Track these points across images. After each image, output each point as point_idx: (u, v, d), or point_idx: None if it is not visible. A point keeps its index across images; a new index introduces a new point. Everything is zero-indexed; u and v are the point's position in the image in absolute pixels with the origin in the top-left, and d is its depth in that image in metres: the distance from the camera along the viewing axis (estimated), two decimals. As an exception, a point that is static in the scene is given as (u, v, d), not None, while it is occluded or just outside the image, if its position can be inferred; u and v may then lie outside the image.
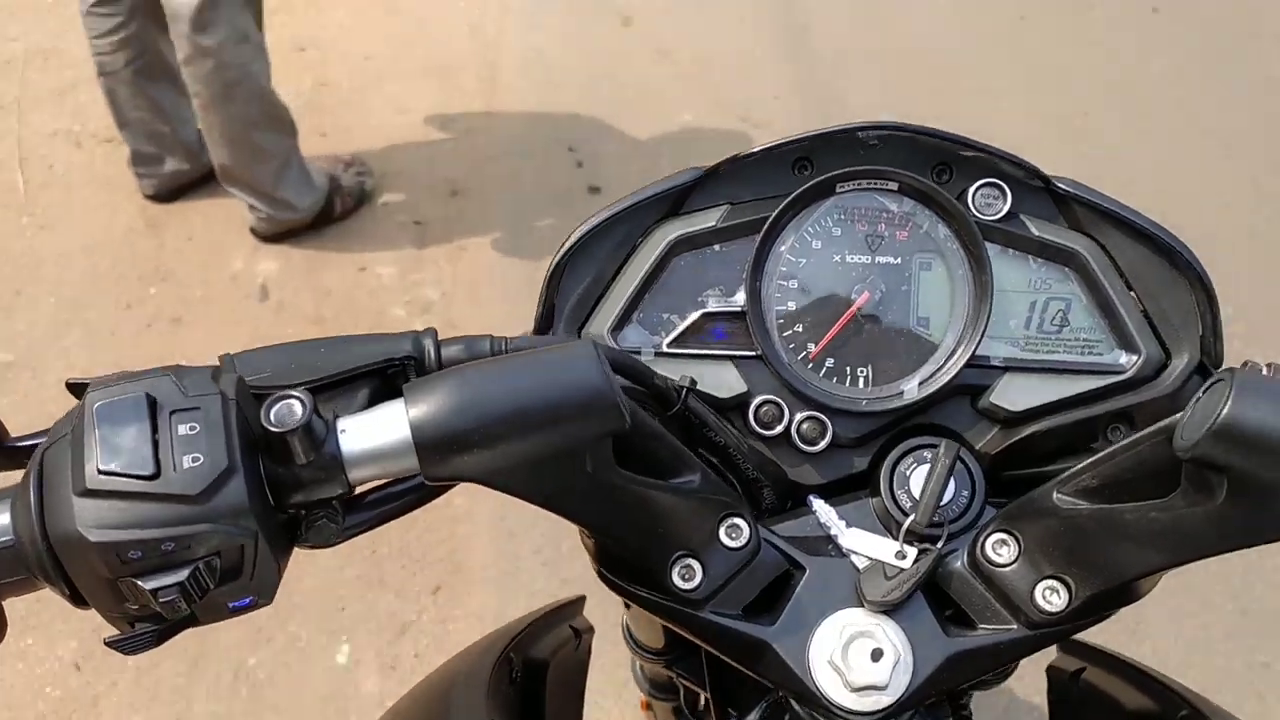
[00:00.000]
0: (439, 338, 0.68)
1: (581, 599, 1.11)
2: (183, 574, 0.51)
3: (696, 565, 0.69)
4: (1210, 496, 0.57)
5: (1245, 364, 0.70)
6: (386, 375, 0.65)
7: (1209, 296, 0.76)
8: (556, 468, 0.59)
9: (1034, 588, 0.68)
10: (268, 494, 0.56)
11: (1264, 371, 0.67)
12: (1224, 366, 0.72)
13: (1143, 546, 0.62)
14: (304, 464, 0.56)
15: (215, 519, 0.52)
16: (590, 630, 1.09)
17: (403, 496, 0.64)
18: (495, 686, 0.80)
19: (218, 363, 0.62)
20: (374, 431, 0.57)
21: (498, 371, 0.58)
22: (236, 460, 0.53)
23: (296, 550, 0.60)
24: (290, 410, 0.55)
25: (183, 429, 0.52)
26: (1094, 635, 0.75)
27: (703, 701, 1.13)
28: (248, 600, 0.56)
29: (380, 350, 0.65)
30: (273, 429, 0.54)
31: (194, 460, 0.52)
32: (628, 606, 0.91)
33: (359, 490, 0.61)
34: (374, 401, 0.60)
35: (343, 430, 0.57)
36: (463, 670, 0.83)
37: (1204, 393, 0.58)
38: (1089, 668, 0.95)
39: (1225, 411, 0.54)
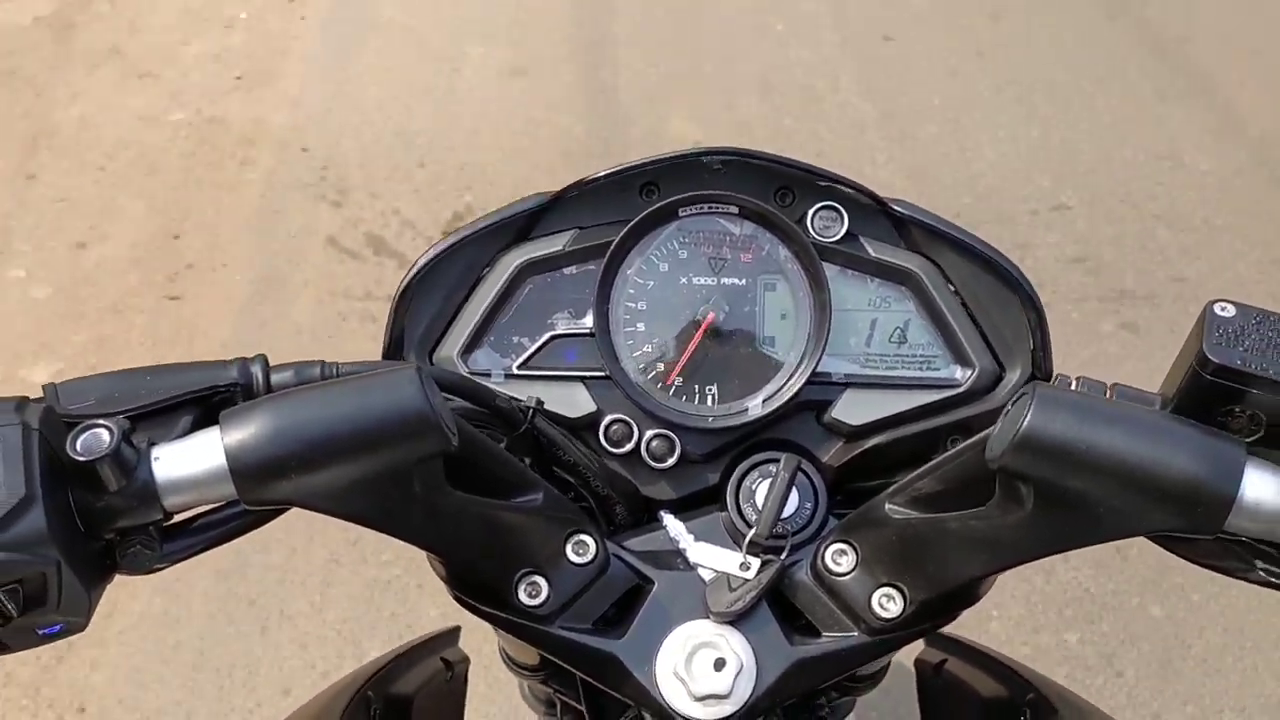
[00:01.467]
0: (269, 364, 0.68)
1: (456, 630, 1.10)
2: None
3: (543, 581, 0.70)
4: (1020, 505, 0.59)
5: (1057, 378, 0.74)
6: (213, 403, 0.65)
7: (1038, 314, 0.79)
8: (382, 491, 0.60)
9: (871, 595, 0.70)
10: (76, 522, 0.55)
11: (1072, 385, 0.71)
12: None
13: (965, 553, 0.64)
14: (115, 491, 0.55)
15: (14, 548, 0.51)
16: (465, 661, 1.08)
17: (228, 522, 0.64)
18: None
19: (39, 391, 0.62)
20: (188, 458, 0.57)
21: (316, 396, 0.59)
22: (35, 490, 0.52)
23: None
24: (97, 439, 0.55)
25: None
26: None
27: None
28: (57, 627, 0.56)
29: (206, 377, 0.65)
30: (79, 458, 0.54)
31: None
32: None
33: (182, 517, 0.60)
34: (197, 429, 0.60)
35: (156, 458, 0.57)
36: (314, 712, 0.82)
37: (1011, 406, 0.60)
38: (950, 659, 0.98)
39: (1025, 424, 0.57)
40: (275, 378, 0.68)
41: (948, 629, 1.00)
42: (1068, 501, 0.57)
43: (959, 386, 0.80)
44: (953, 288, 0.80)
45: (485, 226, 0.79)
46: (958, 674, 0.97)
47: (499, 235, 0.80)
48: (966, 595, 0.70)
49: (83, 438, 0.55)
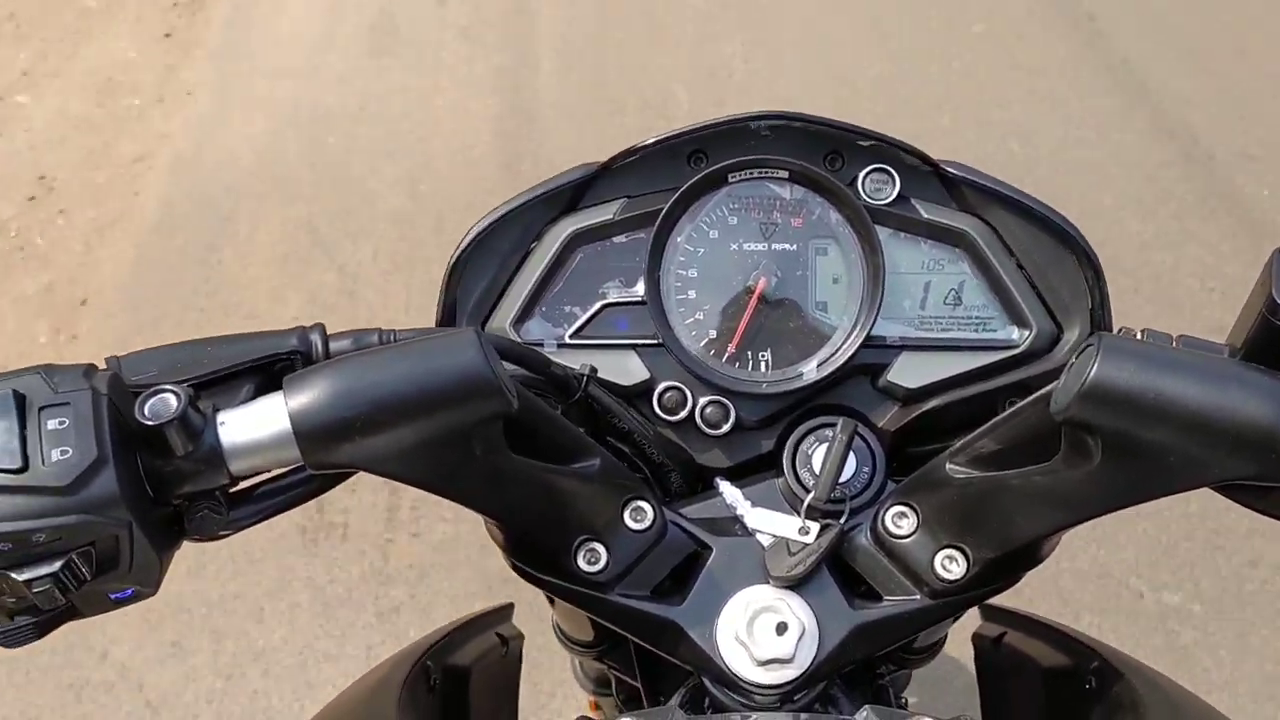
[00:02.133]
0: (327, 331, 0.68)
1: (509, 606, 1.11)
2: (55, 565, 0.51)
3: (601, 548, 0.70)
4: (1088, 458, 0.58)
5: (1120, 330, 0.73)
6: (274, 371, 0.65)
7: (1096, 271, 0.78)
8: (444, 453, 0.60)
9: (933, 557, 0.69)
10: (146, 486, 0.56)
11: (1136, 336, 0.70)
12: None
13: (1030, 511, 0.64)
14: (182, 456, 0.56)
15: (86, 510, 0.52)
16: (519, 637, 1.09)
17: (294, 489, 0.64)
18: (410, 696, 0.79)
19: (104, 365, 0.63)
20: (254, 423, 0.58)
21: (377, 360, 0.59)
22: (107, 452, 0.53)
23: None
24: (165, 403, 0.55)
25: (51, 423, 0.53)
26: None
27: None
28: (129, 591, 0.56)
29: (266, 346, 0.66)
30: (147, 422, 0.55)
31: (63, 453, 0.52)
32: (552, 602, 0.91)
33: (249, 483, 0.61)
34: (259, 396, 0.60)
35: (222, 423, 0.58)
36: (375, 682, 0.82)
37: (1076, 358, 0.59)
38: (1009, 631, 0.97)
39: (1092, 374, 0.56)
40: (334, 345, 0.68)
41: (1006, 602, 0.99)
42: (1137, 452, 0.56)
43: (1016, 347, 0.79)
44: (1007, 248, 0.79)
45: (534, 197, 0.79)
46: (1017, 646, 0.96)
47: (548, 206, 0.80)
48: (1031, 555, 0.69)
49: (150, 402, 0.55)
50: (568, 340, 0.80)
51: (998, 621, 1.00)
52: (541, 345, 0.80)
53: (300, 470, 0.62)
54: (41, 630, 0.55)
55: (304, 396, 0.57)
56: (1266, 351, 0.61)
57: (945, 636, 1.01)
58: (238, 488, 0.61)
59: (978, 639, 1.02)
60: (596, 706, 1.43)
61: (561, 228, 0.80)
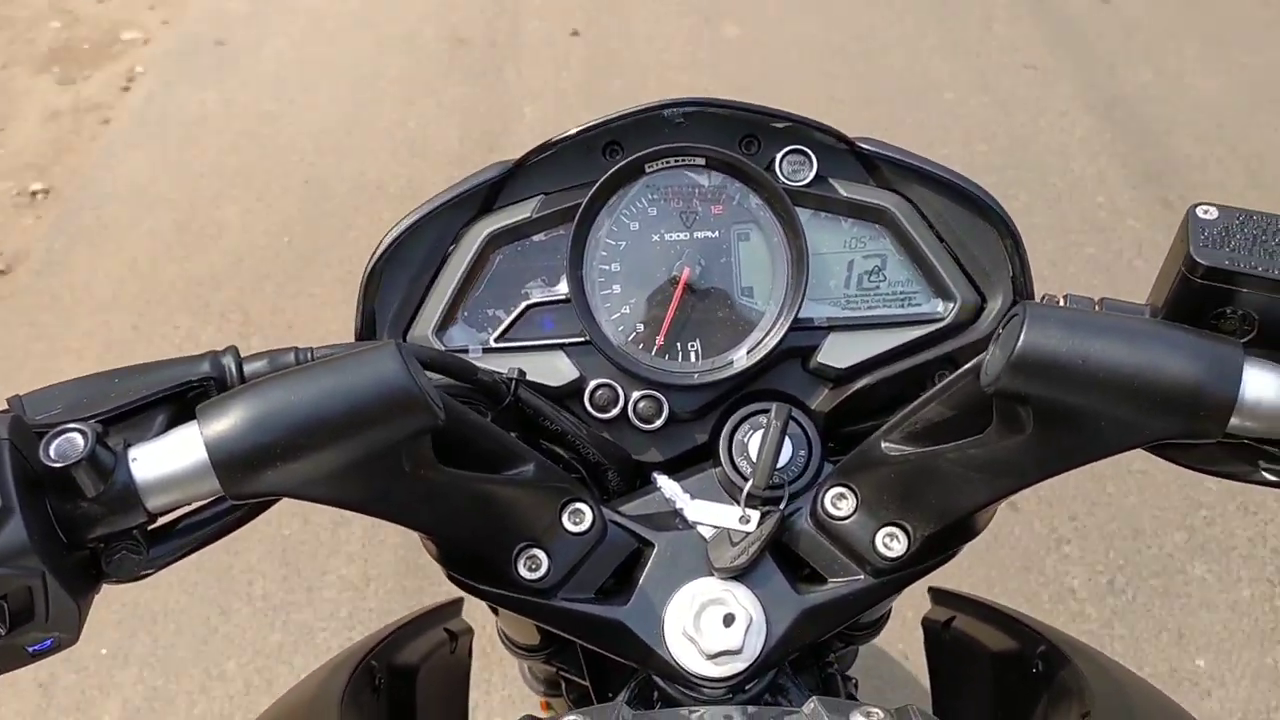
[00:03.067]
0: (241, 355, 0.66)
1: (459, 601, 1.09)
2: None
3: (541, 555, 0.69)
4: (1020, 428, 0.59)
5: (1043, 297, 0.73)
6: (187, 399, 0.63)
7: (1015, 239, 0.79)
8: (371, 472, 0.58)
9: (874, 536, 0.69)
10: (58, 531, 0.53)
11: (1059, 302, 0.70)
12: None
13: (966, 483, 0.64)
14: (94, 497, 0.53)
15: None
16: (469, 632, 1.07)
17: (216, 519, 0.62)
18: (354, 698, 0.77)
19: (4, 405, 0.60)
20: (168, 456, 0.55)
21: (294, 382, 0.57)
22: (12, 500, 0.51)
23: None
24: (71, 443, 0.53)
25: None
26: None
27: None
28: (48, 642, 0.54)
29: (176, 374, 0.63)
30: (54, 464, 0.52)
31: None
32: (496, 611, 0.89)
33: (168, 519, 0.58)
34: (173, 427, 0.58)
35: (134, 459, 0.55)
36: (316, 685, 0.80)
37: (1003, 328, 0.59)
38: (958, 616, 0.98)
39: (1019, 344, 0.56)
40: (249, 368, 0.66)
41: (955, 587, 1.00)
42: (1068, 418, 0.57)
43: (942, 320, 0.79)
44: (927, 222, 0.79)
45: (447, 200, 0.77)
46: (966, 630, 0.97)
47: (462, 208, 0.78)
48: (969, 528, 0.69)
49: (55, 444, 0.53)
50: (493, 344, 0.78)
51: (947, 606, 1.01)
52: (466, 352, 0.78)
53: (220, 500, 0.60)
54: None
55: (219, 425, 0.55)
56: (1187, 310, 0.62)
57: (890, 611, 1.01)
58: (156, 524, 0.58)
59: (927, 623, 1.03)
60: (548, 707, 1.42)
61: (479, 229, 0.78)
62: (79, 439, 0.53)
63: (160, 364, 0.64)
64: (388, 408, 0.56)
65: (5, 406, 0.59)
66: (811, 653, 0.89)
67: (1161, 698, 0.78)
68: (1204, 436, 0.55)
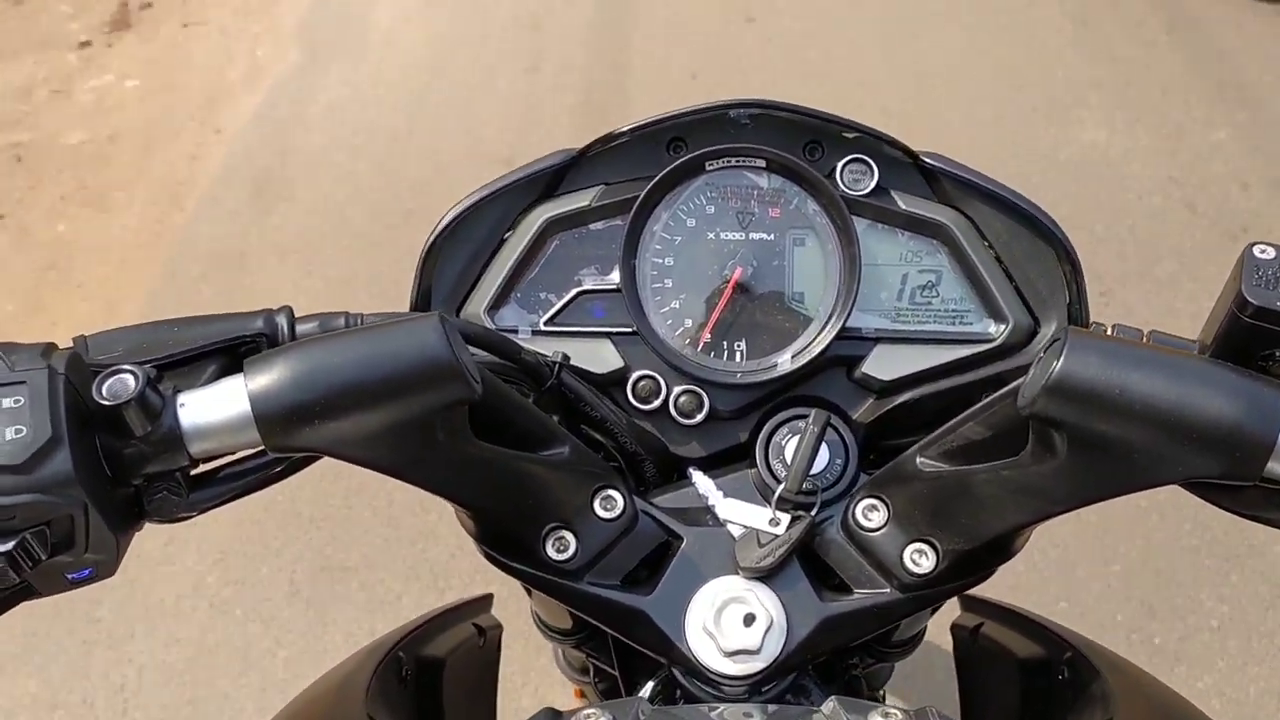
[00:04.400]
0: (295, 315, 0.68)
1: (488, 597, 1.10)
2: (9, 544, 0.51)
3: (570, 536, 0.70)
4: (1054, 454, 0.58)
5: (1092, 325, 0.72)
6: (238, 353, 0.65)
7: (1073, 265, 0.78)
8: (406, 438, 0.59)
9: (903, 551, 0.69)
10: (104, 466, 0.56)
11: (1107, 331, 0.69)
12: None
13: (998, 506, 0.63)
14: (141, 437, 0.56)
15: (40, 489, 0.52)
16: (498, 627, 1.08)
17: (257, 471, 0.64)
18: (380, 688, 0.79)
19: (70, 342, 0.62)
20: (213, 405, 0.58)
21: (338, 344, 0.58)
22: (62, 431, 0.53)
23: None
24: (123, 384, 0.55)
25: (6, 402, 0.52)
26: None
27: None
28: (87, 571, 0.56)
29: (232, 328, 0.65)
30: (105, 402, 0.54)
31: (16, 432, 0.52)
32: (530, 593, 0.91)
33: (210, 466, 0.61)
34: (222, 378, 0.60)
35: (182, 404, 0.57)
36: (344, 675, 0.82)
37: (1044, 353, 0.59)
38: (987, 622, 0.97)
39: (1057, 369, 0.55)
40: (300, 328, 0.68)
41: (983, 592, 0.99)
42: (1102, 448, 0.56)
43: (992, 341, 0.79)
44: (986, 241, 0.79)
45: (511, 183, 0.78)
46: (994, 637, 0.96)
47: (525, 191, 0.79)
48: (1000, 549, 0.69)
49: (109, 383, 0.55)
50: (542, 327, 0.80)
51: (976, 612, 1.01)
52: (515, 332, 0.79)
53: (263, 453, 0.62)
54: None
55: (264, 379, 0.57)
56: (1236, 348, 0.60)
57: (924, 630, 1.00)
58: (199, 470, 0.61)
59: (956, 629, 1.03)
60: (581, 695, 1.44)
61: (538, 214, 0.79)
62: (131, 380, 0.55)
63: (217, 317, 0.67)
64: (425, 376, 0.58)
65: (70, 344, 0.62)
66: (838, 660, 0.89)
67: (1187, 706, 0.76)
68: (1240, 478, 0.55)
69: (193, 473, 0.60)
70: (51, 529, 0.53)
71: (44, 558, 0.53)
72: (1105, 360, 0.55)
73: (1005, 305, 0.78)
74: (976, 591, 0.96)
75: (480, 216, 0.78)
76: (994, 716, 0.94)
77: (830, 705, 0.59)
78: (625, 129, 0.78)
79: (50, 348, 0.57)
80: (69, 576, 0.56)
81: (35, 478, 0.52)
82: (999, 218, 0.78)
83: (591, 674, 1.17)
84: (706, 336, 0.79)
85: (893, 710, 0.57)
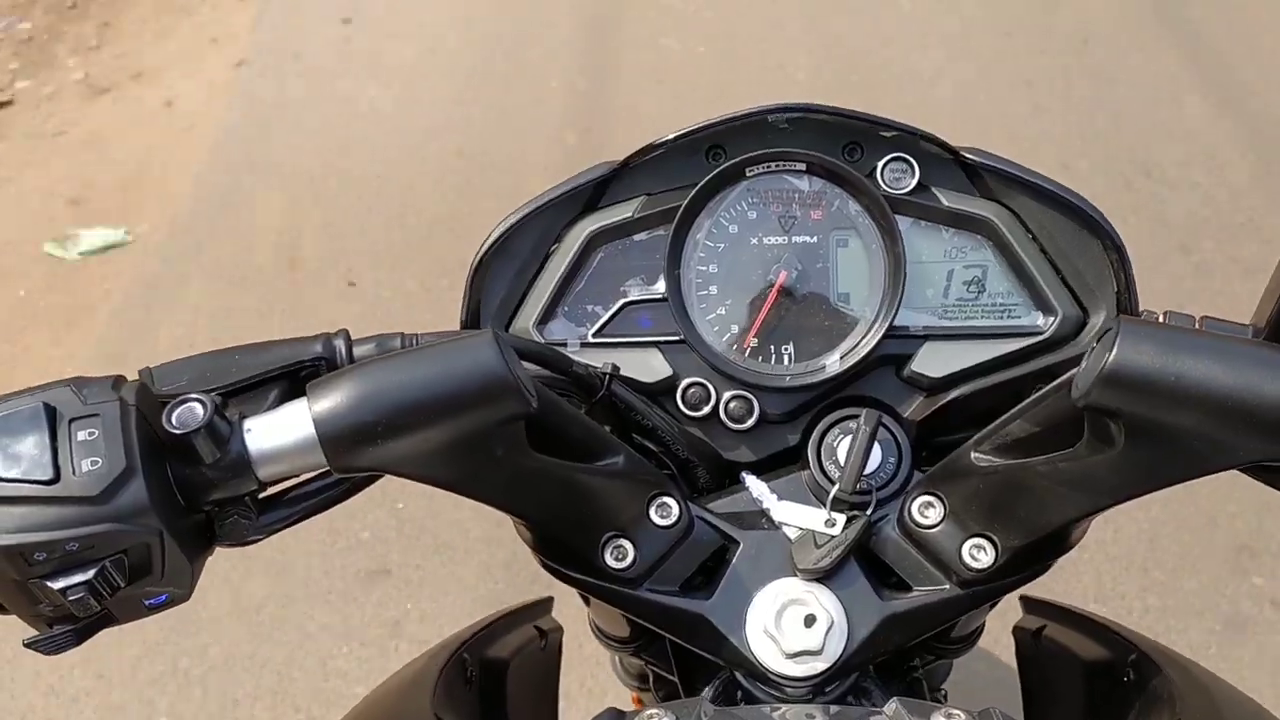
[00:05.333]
0: (351, 337, 0.69)
1: (548, 600, 1.11)
2: (89, 573, 0.53)
3: (628, 545, 0.70)
4: (1111, 444, 0.58)
5: (1143, 313, 0.72)
6: (300, 377, 0.67)
7: (1120, 255, 0.77)
8: (466, 454, 0.60)
9: (961, 547, 0.69)
10: (176, 494, 0.57)
11: (1159, 319, 0.69)
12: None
13: (1056, 498, 0.63)
14: (210, 464, 0.57)
15: (117, 519, 0.54)
16: (559, 630, 1.09)
17: (322, 492, 0.65)
18: (447, 689, 0.80)
19: (135, 376, 0.64)
20: (279, 429, 0.59)
21: (397, 364, 0.60)
22: (136, 462, 0.55)
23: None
24: (192, 412, 0.57)
25: (81, 435, 0.54)
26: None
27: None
28: (164, 597, 0.58)
29: (292, 353, 0.67)
30: (175, 431, 0.56)
31: (93, 464, 0.54)
32: (587, 602, 0.92)
33: (277, 488, 0.62)
34: (285, 402, 0.61)
35: (248, 430, 0.59)
36: (411, 675, 0.83)
37: (1097, 343, 0.59)
38: (1049, 624, 0.97)
39: (1112, 358, 0.55)
40: (358, 350, 0.69)
41: (1046, 594, 0.99)
42: (1160, 436, 0.56)
43: (1041, 333, 0.78)
44: (1030, 234, 0.79)
45: (554, 198, 0.79)
46: (1057, 639, 0.96)
47: (568, 206, 0.80)
48: (1059, 542, 0.69)
49: (178, 412, 0.57)
50: (590, 339, 0.80)
51: (1038, 614, 1.00)
52: (564, 345, 0.80)
53: (328, 474, 0.64)
54: (79, 637, 0.57)
55: (327, 402, 0.58)
56: None
57: (983, 625, 1.00)
58: (267, 493, 0.62)
59: (1018, 632, 1.02)
60: (640, 702, 1.44)
61: (582, 227, 0.80)
62: (199, 409, 0.57)
63: (277, 343, 0.68)
64: (483, 393, 0.59)
65: (136, 377, 0.64)
66: (898, 659, 0.89)
67: (1255, 706, 0.76)
68: None
69: (260, 496, 0.62)
70: (129, 557, 0.55)
71: (123, 585, 0.54)
72: (1159, 348, 0.55)
73: (1053, 297, 0.78)
74: (1038, 593, 0.96)
75: (525, 232, 0.80)
76: (1058, 718, 0.93)
77: (893, 706, 0.59)
78: (665, 139, 0.79)
79: (119, 380, 0.59)
80: (146, 603, 0.58)
81: (112, 508, 0.54)
82: (1042, 210, 0.78)
83: (651, 680, 1.18)
84: (752, 341, 0.79)
85: (955, 711, 0.57)
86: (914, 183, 0.79)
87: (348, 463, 0.59)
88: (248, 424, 0.59)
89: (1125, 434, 0.57)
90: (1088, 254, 0.78)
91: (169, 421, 0.57)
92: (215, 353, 0.67)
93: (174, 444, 0.57)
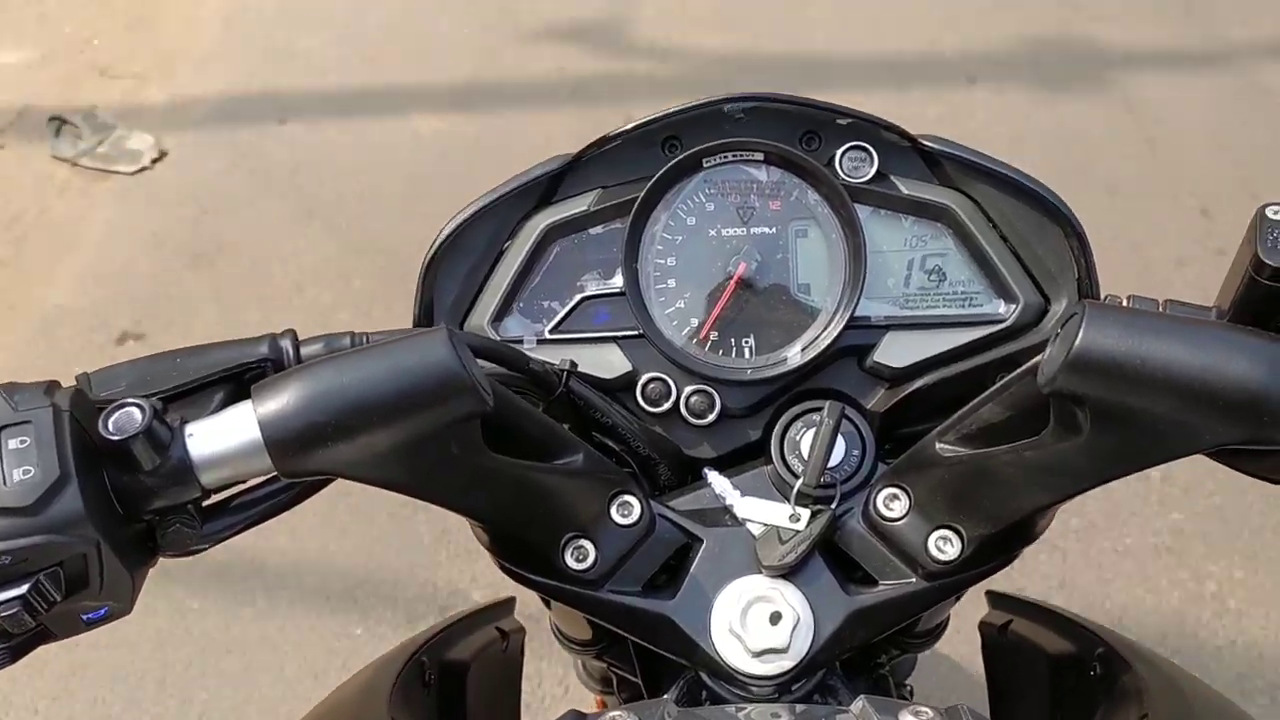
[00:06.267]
0: (299, 338, 0.67)
1: (511, 600, 1.10)
2: (23, 587, 0.51)
3: (589, 545, 0.69)
4: (1077, 430, 0.57)
5: (1105, 298, 0.72)
6: (245, 380, 0.64)
7: (1080, 241, 0.77)
8: (420, 455, 0.59)
9: (927, 539, 0.68)
10: (114, 502, 0.55)
11: (1122, 302, 0.68)
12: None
13: (1022, 487, 0.63)
14: (150, 471, 0.55)
15: (51, 530, 0.51)
16: (520, 630, 1.08)
17: (270, 498, 0.63)
18: (403, 693, 0.78)
19: (73, 380, 0.62)
20: (222, 433, 0.57)
21: (347, 363, 0.58)
22: (70, 470, 0.52)
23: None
24: (129, 417, 0.55)
25: (13, 443, 0.52)
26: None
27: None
28: (103, 610, 0.55)
29: (236, 355, 0.65)
30: (112, 436, 0.54)
31: (25, 473, 0.51)
32: (548, 603, 0.90)
33: (222, 495, 0.60)
34: (229, 405, 0.59)
35: (190, 434, 0.57)
36: (366, 679, 0.82)
37: (1061, 328, 0.58)
38: (1015, 619, 0.96)
39: (1077, 342, 0.54)
40: (305, 350, 0.67)
41: (1011, 589, 0.99)
42: (1126, 420, 0.55)
43: (1003, 321, 0.78)
44: (990, 221, 0.78)
45: (507, 192, 0.77)
46: (1023, 634, 0.95)
47: (522, 200, 0.78)
48: (1025, 532, 0.68)
49: (114, 417, 0.54)
50: (547, 335, 0.79)
51: (1004, 609, 1.00)
52: (521, 342, 0.78)
53: (275, 479, 0.61)
54: (14, 655, 0.54)
55: (273, 403, 0.56)
56: (1255, 312, 0.60)
57: (947, 620, 1.00)
58: (211, 501, 0.60)
59: (984, 626, 1.02)
60: (603, 704, 1.43)
61: (536, 221, 0.78)
62: (137, 413, 0.54)
63: (221, 345, 0.66)
64: (436, 391, 0.57)
65: (73, 383, 0.61)
66: (863, 656, 0.88)
67: (1222, 700, 0.76)
68: (1268, 442, 0.54)
69: (205, 504, 0.60)
70: (65, 570, 0.52)
71: (59, 599, 0.52)
72: (1125, 331, 0.54)
73: (1014, 284, 0.77)
74: (1003, 587, 0.95)
75: (478, 227, 0.78)
76: (1025, 713, 0.93)
77: (859, 705, 0.58)
78: (619, 130, 0.77)
79: (53, 385, 0.56)
80: (84, 618, 0.55)
81: (45, 518, 0.51)
82: (1002, 197, 0.77)
83: (614, 684, 1.16)
84: (712, 334, 0.78)
85: (923, 709, 0.56)
86: (873, 171, 0.78)
87: (295, 466, 0.57)
88: (189, 428, 0.57)
89: (1091, 419, 0.56)
90: (1048, 241, 0.77)
91: (106, 427, 0.54)
92: (156, 356, 0.64)
93: (111, 450, 0.54)
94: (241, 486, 0.61)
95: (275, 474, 0.58)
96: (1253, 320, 0.59)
